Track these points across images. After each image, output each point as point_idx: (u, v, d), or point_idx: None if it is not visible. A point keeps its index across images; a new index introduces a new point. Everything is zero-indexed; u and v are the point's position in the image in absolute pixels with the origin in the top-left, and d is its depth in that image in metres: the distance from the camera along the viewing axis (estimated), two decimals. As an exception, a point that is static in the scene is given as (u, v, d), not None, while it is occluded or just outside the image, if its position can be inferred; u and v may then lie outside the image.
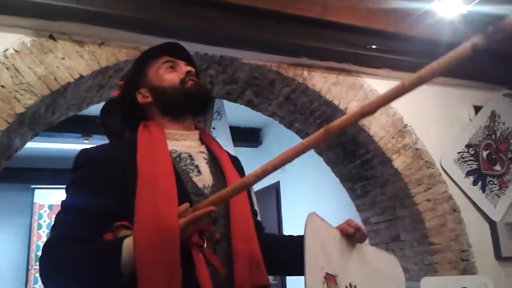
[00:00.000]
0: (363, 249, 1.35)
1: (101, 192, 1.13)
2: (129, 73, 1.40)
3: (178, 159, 1.25)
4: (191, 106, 1.35)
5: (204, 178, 1.25)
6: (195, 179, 1.23)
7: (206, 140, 1.38)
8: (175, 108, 1.33)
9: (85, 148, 1.24)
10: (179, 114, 1.34)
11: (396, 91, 1.01)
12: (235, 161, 1.43)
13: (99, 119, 1.40)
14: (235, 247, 1.16)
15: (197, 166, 1.26)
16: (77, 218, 1.11)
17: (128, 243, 1.04)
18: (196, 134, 1.37)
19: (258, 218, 1.57)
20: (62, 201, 1.18)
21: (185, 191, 1.18)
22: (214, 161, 1.32)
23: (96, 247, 1.08)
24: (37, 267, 6.49)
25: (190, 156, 1.28)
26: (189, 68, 1.38)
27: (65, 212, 1.15)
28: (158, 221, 1.05)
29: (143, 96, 1.35)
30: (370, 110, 1.04)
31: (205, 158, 1.31)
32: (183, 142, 1.31)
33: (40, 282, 6.32)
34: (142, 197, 1.10)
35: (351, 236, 1.31)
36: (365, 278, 1.29)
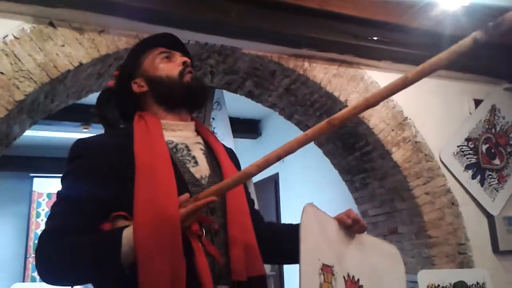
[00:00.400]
0: (363, 239, 1.34)
1: (98, 182, 1.13)
2: (124, 63, 1.40)
3: (174, 149, 1.25)
4: (188, 100, 1.34)
5: (201, 168, 1.24)
6: (192, 169, 1.22)
7: (201, 131, 1.38)
8: (172, 99, 1.32)
9: (81, 138, 1.23)
10: (174, 104, 1.33)
11: (400, 83, 1.02)
12: (231, 153, 1.42)
13: (94, 108, 1.39)
14: (231, 235, 1.17)
15: (194, 157, 1.26)
16: (73, 208, 1.11)
17: (127, 233, 1.04)
18: (192, 125, 1.36)
19: (256, 207, 1.57)
20: (58, 192, 1.17)
21: (183, 181, 1.18)
22: (210, 152, 1.32)
23: (95, 238, 1.07)
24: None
25: (186, 146, 1.27)
26: (185, 58, 1.36)
27: (61, 203, 1.14)
28: (158, 211, 1.05)
29: (139, 86, 1.34)
30: (373, 102, 1.05)
31: (201, 149, 1.30)
32: (179, 132, 1.31)
33: (38, 270, 6.36)
34: (140, 187, 1.09)
35: (349, 227, 1.30)
36: (365, 269, 1.28)
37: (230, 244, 1.16)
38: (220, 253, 1.14)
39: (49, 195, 6.70)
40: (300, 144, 1.08)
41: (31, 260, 6.40)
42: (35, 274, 6.39)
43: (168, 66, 1.34)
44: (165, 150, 1.19)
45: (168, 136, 1.26)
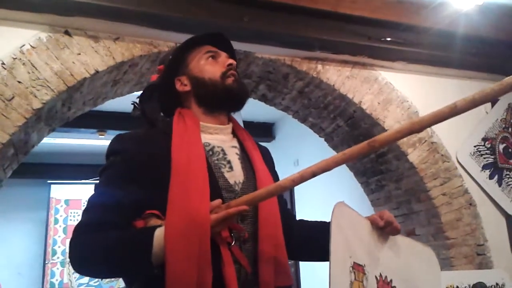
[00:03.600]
0: (397, 240, 1.32)
1: (134, 180, 1.14)
2: (170, 59, 1.38)
3: (211, 152, 1.25)
4: (228, 103, 1.34)
5: (235, 174, 1.24)
6: (226, 174, 1.23)
7: (239, 133, 1.38)
8: (212, 101, 1.32)
9: (120, 134, 1.25)
10: (214, 107, 1.33)
11: (447, 111, 1.02)
12: (265, 153, 1.42)
13: (136, 103, 1.39)
14: (261, 249, 1.16)
15: (229, 162, 1.26)
16: (108, 203, 1.13)
17: (159, 234, 1.05)
18: (229, 128, 1.36)
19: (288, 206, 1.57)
20: (95, 186, 1.19)
21: (217, 186, 1.18)
22: (245, 156, 1.32)
23: (127, 235, 1.09)
24: (54, 261, 6.56)
25: (223, 150, 1.28)
26: (230, 60, 1.36)
27: (97, 197, 1.17)
28: (190, 215, 1.06)
29: (182, 84, 1.35)
30: (418, 128, 1.05)
31: (237, 154, 1.30)
32: (216, 135, 1.31)
33: (57, 276, 6.42)
34: (174, 189, 1.11)
35: (382, 229, 1.28)
36: (397, 269, 1.27)
37: (259, 258, 1.16)
38: (248, 262, 1.14)
39: (66, 201, 6.75)
40: (337, 163, 1.09)
41: (50, 266, 6.47)
42: (54, 280, 6.45)
43: (213, 68, 1.34)
44: (201, 153, 1.19)
45: (205, 138, 1.27)
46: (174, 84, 1.35)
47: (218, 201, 1.10)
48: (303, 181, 1.10)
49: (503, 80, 0.96)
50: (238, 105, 1.37)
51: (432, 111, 1.05)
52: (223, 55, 1.38)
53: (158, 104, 1.39)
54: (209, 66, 1.34)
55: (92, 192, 1.19)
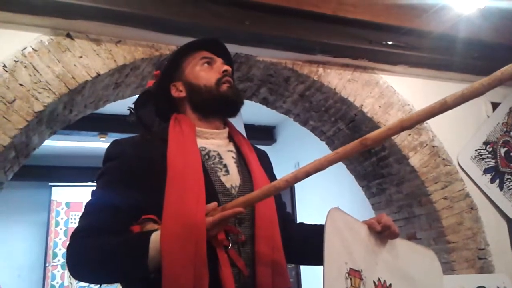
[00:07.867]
0: (396, 244, 1.30)
1: (130, 185, 1.15)
2: (166, 64, 1.38)
3: (207, 156, 1.25)
4: (223, 109, 1.35)
5: (232, 178, 1.25)
6: (223, 178, 1.23)
7: (235, 137, 1.38)
8: (207, 108, 1.33)
9: (117, 140, 1.26)
10: (209, 114, 1.34)
11: (437, 107, 1.01)
12: (263, 156, 1.42)
13: (132, 109, 1.40)
14: (258, 251, 1.17)
15: (225, 165, 1.26)
16: (105, 209, 1.13)
17: (155, 238, 1.05)
18: (225, 132, 1.37)
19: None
20: (92, 191, 1.20)
21: (213, 190, 1.18)
22: (241, 160, 1.32)
23: (123, 240, 1.09)
24: (55, 264, 6.55)
25: (219, 154, 1.28)
26: (226, 67, 1.36)
27: (94, 203, 1.17)
28: (186, 218, 1.06)
29: (177, 90, 1.35)
30: (408, 124, 1.04)
31: (233, 157, 1.31)
32: (212, 140, 1.31)
33: (57, 279, 6.41)
34: (170, 193, 1.11)
35: (380, 233, 1.26)
36: (398, 273, 1.26)
37: (256, 260, 1.16)
38: (246, 264, 1.14)
39: (67, 204, 6.75)
40: (330, 162, 1.08)
41: (51, 269, 6.46)
42: (55, 282, 6.44)
43: (208, 75, 1.34)
44: (197, 157, 1.20)
45: (201, 143, 1.27)
46: (169, 90, 1.36)
47: (213, 204, 1.10)
48: (297, 181, 1.10)
49: (491, 75, 0.96)
50: (233, 111, 1.37)
51: (423, 108, 1.04)
52: (218, 61, 1.38)
53: (154, 109, 1.39)
54: (204, 72, 1.35)
55: (90, 196, 1.19)
